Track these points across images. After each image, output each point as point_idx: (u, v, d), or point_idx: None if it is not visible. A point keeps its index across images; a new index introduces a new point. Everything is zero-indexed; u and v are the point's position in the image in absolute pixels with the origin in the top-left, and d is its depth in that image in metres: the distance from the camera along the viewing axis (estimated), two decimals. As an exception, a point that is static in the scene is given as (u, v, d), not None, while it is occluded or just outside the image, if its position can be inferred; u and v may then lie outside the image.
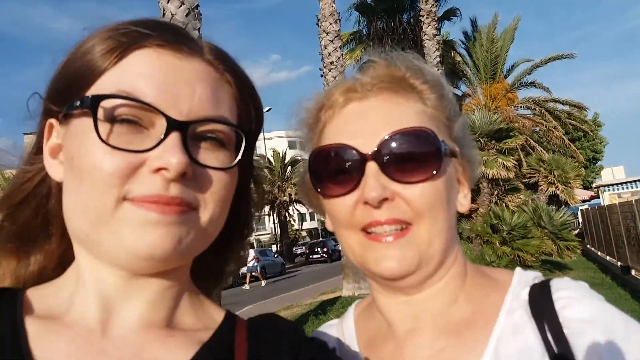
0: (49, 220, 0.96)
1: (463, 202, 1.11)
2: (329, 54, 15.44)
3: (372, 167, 1.00)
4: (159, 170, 0.79)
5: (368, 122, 1.03)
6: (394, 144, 1.00)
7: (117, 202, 0.79)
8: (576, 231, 20.04)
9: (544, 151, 29.30)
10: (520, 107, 33.23)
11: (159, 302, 0.88)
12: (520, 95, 33.26)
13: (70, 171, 0.84)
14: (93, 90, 0.82)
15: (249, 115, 0.97)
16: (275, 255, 35.46)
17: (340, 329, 1.21)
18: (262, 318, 0.99)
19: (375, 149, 1.00)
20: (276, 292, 21.44)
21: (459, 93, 32.91)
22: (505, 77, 32.90)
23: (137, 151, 0.79)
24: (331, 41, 15.50)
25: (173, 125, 0.79)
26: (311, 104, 1.15)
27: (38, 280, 0.96)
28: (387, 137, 1.00)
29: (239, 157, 0.90)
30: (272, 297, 19.74)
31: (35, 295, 0.90)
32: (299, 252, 49.88)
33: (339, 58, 15.49)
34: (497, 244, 15.16)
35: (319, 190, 1.08)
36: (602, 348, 0.87)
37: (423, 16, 19.72)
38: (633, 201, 13.55)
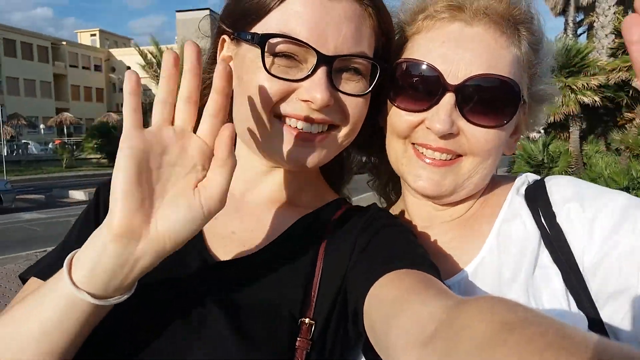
0: None
1: (512, 145, 1.15)
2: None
3: (449, 99, 1.00)
4: (306, 100, 0.97)
5: (464, 52, 1.00)
6: (479, 85, 0.99)
7: (269, 117, 0.99)
8: None
9: None
10: None
11: (285, 185, 1.13)
12: None
13: (238, 86, 1.03)
14: (260, 27, 0.99)
15: (382, 43, 1.08)
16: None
17: None
18: (366, 206, 1.17)
19: (460, 82, 0.99)
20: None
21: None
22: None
23: (291, 80, 0.97)
24: None
25: (322, 59, 0.95)
26: (412, 2, 1.11)
27: None
28: (476, 75, 0.99)
29: (374, 84, 1.04)
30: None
31: None
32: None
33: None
34: (653, 158, 13.81)
35: (391, 96, 1.09)
36: (579, 215, 0.95)
37: None
38: None
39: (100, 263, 0.77)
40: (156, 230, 0.78)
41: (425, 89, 1.02)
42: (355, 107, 1.03)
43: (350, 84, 1.01)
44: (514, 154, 9.34)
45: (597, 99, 15.57)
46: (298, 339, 0.92)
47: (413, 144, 1.07)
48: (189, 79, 0.85)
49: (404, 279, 0.85)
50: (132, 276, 0.80)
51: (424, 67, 1.02)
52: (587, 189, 0.98)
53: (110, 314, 0.86)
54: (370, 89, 1.04)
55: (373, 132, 1.21)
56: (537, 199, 1.02)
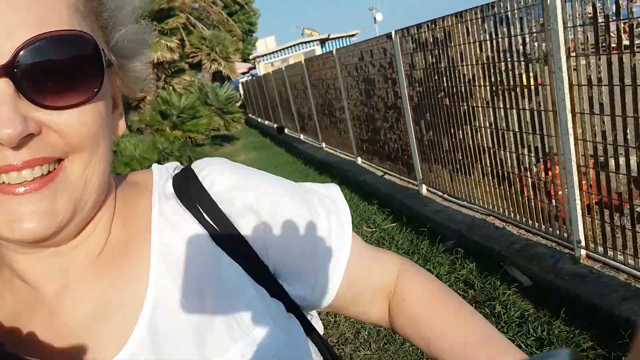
0: None
1: (121, 124, 0.91)
2: None
3: (5, 87, 0.68)
4: None
5: None
6: (38, 53, 0.70)
7: None
8: (239, 103, 22.04)
9: (205, 28, 30.06)
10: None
11: None
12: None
13: None
14: None
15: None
16: None
17: None
18: None
19: (10, 59, 0.68)
20: None
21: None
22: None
23: None
24: None
25: None
26: None
27: None
28: (29, 41, 0.69)
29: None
30: None
31: None
32: None
33: None
34: (168, 129, 15.55)
35: None
36: (247, 204, 0.93)
37: None
38: (283, 68, 15.47)
39: None
40: None
41: None
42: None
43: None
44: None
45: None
46: None
47: None
48: None
49: None
50: None
51: None
52: (243, 176, 0.92)
53: None
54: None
55: None
56: (192, 194, 0.87)
